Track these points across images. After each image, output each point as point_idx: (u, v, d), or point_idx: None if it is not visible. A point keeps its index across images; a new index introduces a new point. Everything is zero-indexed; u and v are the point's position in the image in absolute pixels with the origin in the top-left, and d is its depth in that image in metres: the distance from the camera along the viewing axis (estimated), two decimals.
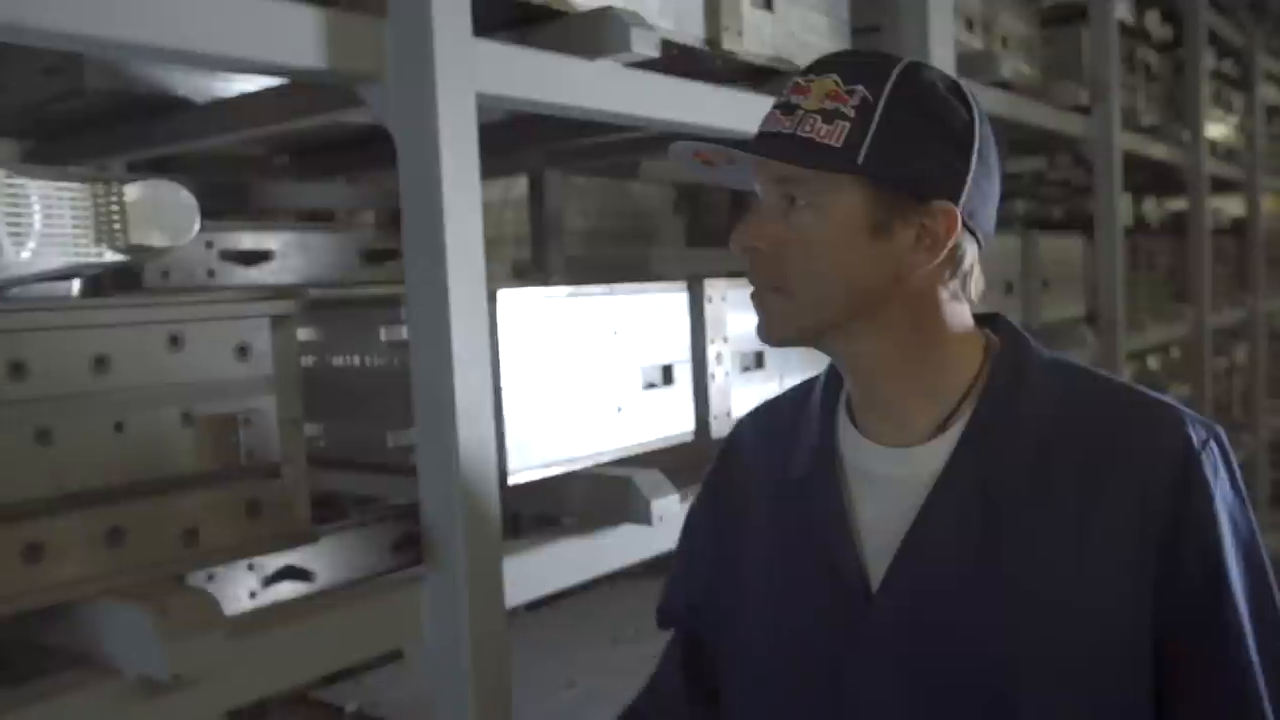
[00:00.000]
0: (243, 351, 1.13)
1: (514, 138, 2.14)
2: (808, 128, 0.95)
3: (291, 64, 1.15)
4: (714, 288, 1.81)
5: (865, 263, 0.96)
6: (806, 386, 1.12)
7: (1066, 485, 0.94)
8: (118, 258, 1.04)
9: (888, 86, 0.95)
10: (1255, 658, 0.92)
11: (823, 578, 1.01)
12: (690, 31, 1.74)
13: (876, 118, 0.94)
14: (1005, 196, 1.05)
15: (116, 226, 1.03)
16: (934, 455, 0.98)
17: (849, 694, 0.98)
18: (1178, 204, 4.80)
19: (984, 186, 0.98)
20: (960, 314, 1.01)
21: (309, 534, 1.22)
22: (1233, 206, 5.65)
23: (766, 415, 1.18)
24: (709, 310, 1.80)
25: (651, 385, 1.72)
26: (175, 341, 1.08)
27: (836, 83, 0.96)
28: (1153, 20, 3.92)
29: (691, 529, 1.20)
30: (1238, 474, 0.96)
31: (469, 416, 1.23)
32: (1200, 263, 4.42)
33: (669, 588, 1.20)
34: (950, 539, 0.96)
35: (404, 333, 1.39)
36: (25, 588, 0.97)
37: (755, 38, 1.86)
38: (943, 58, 2.25)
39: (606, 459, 1.61)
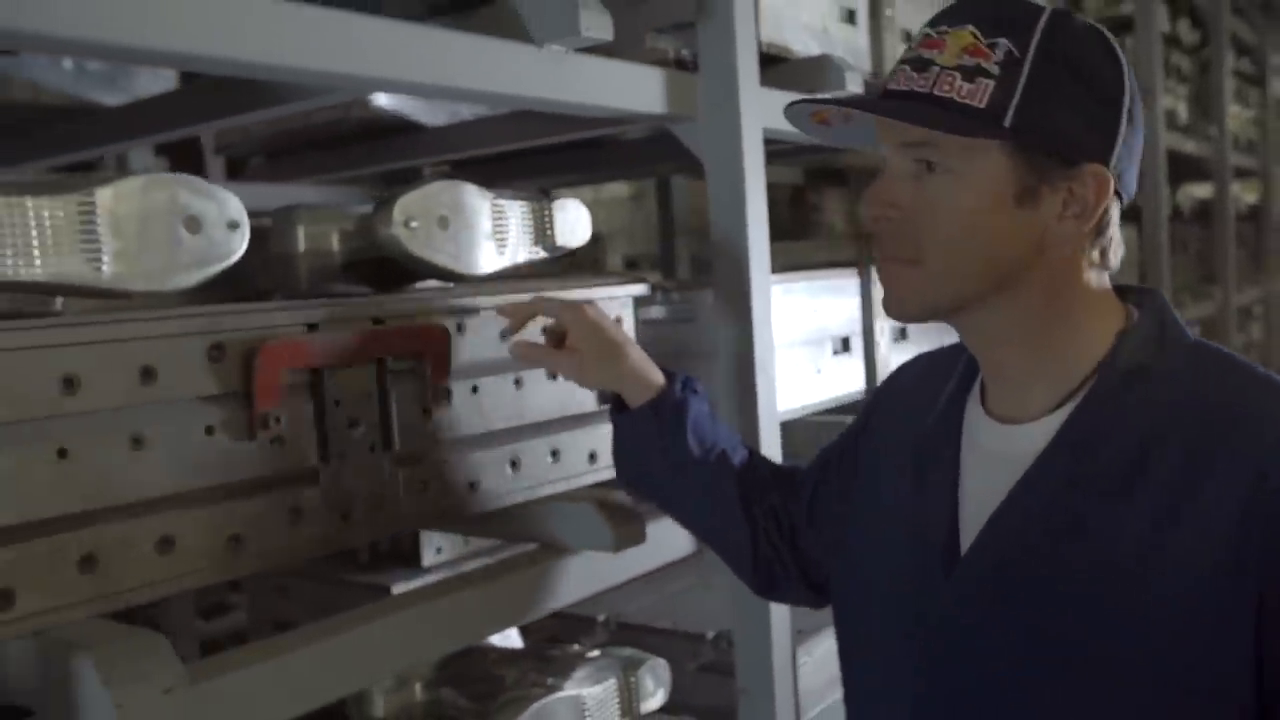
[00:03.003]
0: (619, 322, 1.54)
1: (653, 150, 2.51)
2: (946, 86, 0.88)
3: (643, 111, 1.54)
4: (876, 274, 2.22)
5: (1008, 232, 0.89)
6: (963, 347, 1.07)
7: (1168, 472, 0.87)
8: (545, 255, 1.44)
9: (1035, 39, 0.87)
10: None
11: (916, 537, 1.01)
12: (861, 67, 2.14)
13: (1024, 75, 0.87)
14: None
15: (548, 232, 1.42)
16: (1039, 434, 0.94)
17: (929, 645, 0.98)
18: (1199, 191, 5.24)
19: (1134, 145, 0.93)
20: (1099, 283, 0.96)
21: None
22: (1245, 194, 6.09)
23: (925, 366, 1.18)
24: (875, 291, 2.21)
25: (836, 353, 2.13)
26: None
27: (975, 35, 0.88)
28: (1184, 27, 4.35)
29: (834, 446, 1.27)
30: None
31: (763, 367, 1.63)
32: (1226, 246, 4.84)
33: (809, 471, 1.28)
34: (1033, 524, 0.92)
35: (653, 312, 1.80)
36: (510, 489, 1.38)
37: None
38: None
39: (811, 410, 2.02)
